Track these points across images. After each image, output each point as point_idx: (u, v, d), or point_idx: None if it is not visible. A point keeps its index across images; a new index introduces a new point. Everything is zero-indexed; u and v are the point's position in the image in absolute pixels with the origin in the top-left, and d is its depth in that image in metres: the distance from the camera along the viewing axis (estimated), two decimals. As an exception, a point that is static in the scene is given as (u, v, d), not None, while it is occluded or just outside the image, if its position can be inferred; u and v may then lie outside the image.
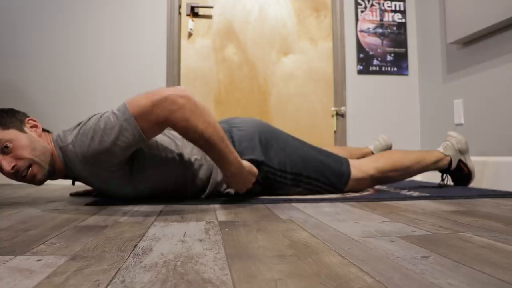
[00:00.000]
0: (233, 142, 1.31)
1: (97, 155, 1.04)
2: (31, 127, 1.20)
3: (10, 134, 1.12)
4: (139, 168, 1.16)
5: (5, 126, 1.13)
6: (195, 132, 1.05)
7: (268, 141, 1.34)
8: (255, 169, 1.20)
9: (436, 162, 1.58)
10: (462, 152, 1.63)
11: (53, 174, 1.19)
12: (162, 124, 1.04)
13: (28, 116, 1.23)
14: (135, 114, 1.00)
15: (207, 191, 1.29)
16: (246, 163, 1.17)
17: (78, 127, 1.10)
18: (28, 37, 2.27)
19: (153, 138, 1.19)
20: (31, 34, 2.28)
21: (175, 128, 1.06)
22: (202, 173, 1.26)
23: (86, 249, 0.61)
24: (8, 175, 1.10)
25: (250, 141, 1.31)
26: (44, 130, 1.24)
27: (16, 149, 1.11)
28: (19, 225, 0.83)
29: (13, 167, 1.10)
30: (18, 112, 1.22)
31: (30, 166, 1.12)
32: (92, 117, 1.09)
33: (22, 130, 1.15)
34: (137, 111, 1.00)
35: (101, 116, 1.05)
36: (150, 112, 1.01)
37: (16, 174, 1.11)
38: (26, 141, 1.12)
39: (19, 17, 2.28)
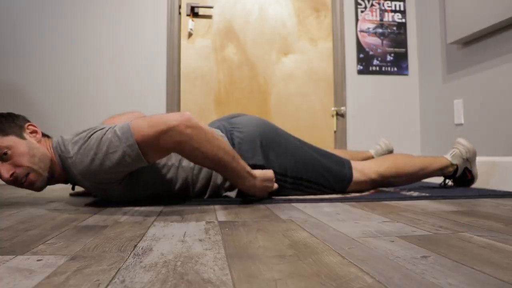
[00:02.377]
0: (233, 144, 1.30)
1: (97, 175, 1.05)
2: (31, 132, 1.18)
3: (9, 140, 1.11)
4: (139, 178, 1.16)
5: (4, 133, 1.12)
6: (206, 158, 1.06)
7: (269, 144, 1.32)
8: (269, 175, 1.20)
9: (442, 169, 1.56)
10: (470, 160, 1.61)
11: (52, 179, 1.18)
12: (168, 152, 1.05)
13: (28, 121, 1.21)
14: (138, 141, 1.00)
15: (207, 194, 1.29)
16: (259, 173, 1.18)
17: (78, 139, 1.07)
18: (28, 37, 2.27)
19: None
20: (31, 34, 2.28)
21: (183, 155, 1.07)
22: (202, 177, 1.26)
23: (86, 249, 0.61)
24: (7, 182, 1.10)
25: (251, 145, 1.30)
26: (44, 135, 1.23)
27: (14, 156, 1.09)
28: (19, 225, 0.83)
29: (12, 174, 1.09)
30: (18, 116, 1.20)
31: (28, 173, 1.11)
32: (93, 133, 1.06)
33: (22, 137, 1.14)
34: (141, 139, 1.00)
35: (103, 136, 1.03)
36: (155, 142, 1.01)
37: (15, 181, 1.11)
38: (25, 148, 1.11)
39: (19, 17, 2.28)
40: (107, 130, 1.04)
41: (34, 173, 1.11)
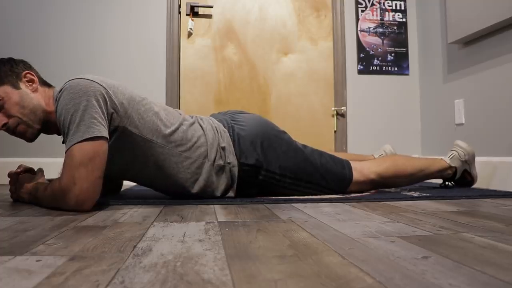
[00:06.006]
0: (233, 141, 1.30)
1: None
2: (28, 81, 1.17)
3: (2, 91, 1.12)
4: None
5: None
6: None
7: (270, 144, 1.32)
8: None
9: (441, 171, 1.56)
10: (468, 163, 1.60)
11: (48, 130, 1.19)
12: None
13: (27, 68, 1.20)
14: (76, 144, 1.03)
15: (196, 185, 1.25)
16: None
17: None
18: (28, 36, 2.27)
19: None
20: (30, 33, 2.28)
21: None
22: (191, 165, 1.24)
23: (86, 250, 0.61)
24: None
25: (251, 143, 1.29)
26: (44, 84, 1.22)
27: (6, 106, 1.12)
28: (18, 225, 0.83)
29: (4, 124, 1.12)
30: (18, 63, 1.19)
31: (18, 124, 1.13)
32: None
33: (16, 86, 1.14)
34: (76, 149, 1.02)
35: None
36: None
37: (7, 131, 1.14)
38: (17, 98, 1.12)
39: (17, 18, 2.27)
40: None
41: (23, 124, 1.14)
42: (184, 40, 2.39)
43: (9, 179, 1.22)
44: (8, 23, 2.26)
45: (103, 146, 1.05)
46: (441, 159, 1.59)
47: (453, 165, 1.58)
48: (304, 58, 2.49)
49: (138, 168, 1.21)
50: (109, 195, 1.39)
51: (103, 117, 1.06)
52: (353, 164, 1.42)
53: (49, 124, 1.18)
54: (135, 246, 0.63)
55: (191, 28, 2.37)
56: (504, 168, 1.75)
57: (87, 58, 2.31)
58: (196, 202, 1.20)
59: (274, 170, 1.30)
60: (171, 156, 1.20)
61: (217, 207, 1.12)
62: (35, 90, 1.17)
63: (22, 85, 1.15)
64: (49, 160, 2.21)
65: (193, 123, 1.29)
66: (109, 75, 2.31)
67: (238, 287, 0.44)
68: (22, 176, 1.20)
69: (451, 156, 1.59)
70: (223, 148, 1.27)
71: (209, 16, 2.43)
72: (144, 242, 0.67)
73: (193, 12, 2.39)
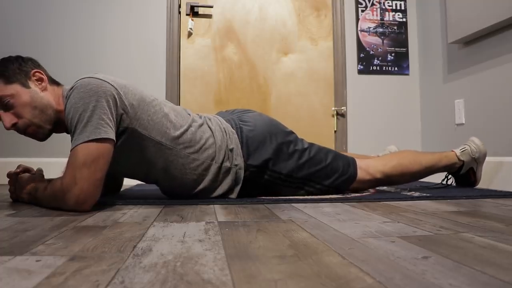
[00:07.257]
0: (241, 143, 1.29)
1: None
2: (37, 80, 1.15)
3: (12, 89, 1.10)
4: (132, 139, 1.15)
5: (8, 80, 1.11)
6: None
7: (278, 145, 1.31)
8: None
9: (449, 166, 1.55)
10: (477, 162, 1.59)
11: (58, 128, 1.18)
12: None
13: (36, 67, 1.18)
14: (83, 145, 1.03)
15: (200, 186, 1.25)
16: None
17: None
18: (28, 36, 2.27)
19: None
20: (30, 33, 2.27)
21: None
22: (197, 166, 1.23)
23: (85, 250, 0.61)
24: (9, 129, 1.13)
25: (259, 145, 1.28)
26: (53, 82, 1.21)
27: (17, 106, 1.10)
28: (18, 225, 0.83)
29: (13, 124, 1.11)
30: (26, 61, 1.17)
31: (29, 126, 1.12)
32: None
33: (26, 85, 1.12)
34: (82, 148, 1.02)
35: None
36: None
37: (17, 131, 1.13)
38: (28, 98, 1.11)
39: (17, 18, 2.27)
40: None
41: (34, 126, 1.13)
42: (184, 40, 2.39)
43: (8, 179, 1.22)
44: (8, 23, 2.27)
45: (108, 148, 1.04)
46: (452, 150, 1.58)
47: (461, 158, 1.56)
48: (304, 58, 2.49)
49: (145, 169, 1.20)
50: (109, 195, 1.39)
51: (111, 118, 1.05)
52: (359, 163, 1.40)
53: (59, 122, 1.17)
54: (135, 246, 0.63)
55: (191, 28, 2.37)
56: (504, 168, 1.75)
57: (87, 58, 2.30)
58: (196, 202, 1.20)
59: (280, 171, 1.30)
60: (178, 158, 1.20)
61: (217, 207, 1.12)
62: (44, 89, 1.16)
63: (31, 84, 1.14)
64: (49, 160, 2.21)
65: (202, 125, 1.27)
66: (108, 74, 2.30)
67: (238, 287, 0.44)
68: (22, 176, 1.20)
69: (462, 150, 1.57)
70: (231, 150, 1.26)
71: (209, 16, 2.43)
72: (144, 242, 0.67)
73: (193, 12, 2.39)
